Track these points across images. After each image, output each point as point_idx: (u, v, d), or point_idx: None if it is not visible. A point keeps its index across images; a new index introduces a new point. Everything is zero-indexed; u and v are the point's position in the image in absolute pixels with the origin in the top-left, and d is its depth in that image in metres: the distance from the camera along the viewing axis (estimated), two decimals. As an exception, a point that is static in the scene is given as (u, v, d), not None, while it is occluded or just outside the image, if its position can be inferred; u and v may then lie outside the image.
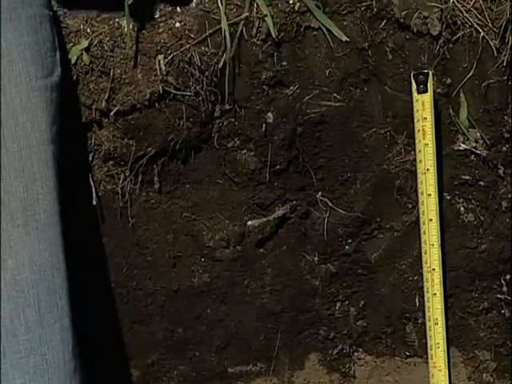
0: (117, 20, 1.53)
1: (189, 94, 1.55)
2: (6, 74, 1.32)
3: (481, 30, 1.52)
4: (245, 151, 1.62)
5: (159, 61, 1.52)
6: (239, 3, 1.54)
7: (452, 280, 1.67)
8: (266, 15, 1.57)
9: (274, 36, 1.53)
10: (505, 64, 1.54)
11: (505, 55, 1.53)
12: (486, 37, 1.53)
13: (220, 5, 1.50)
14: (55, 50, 1.40)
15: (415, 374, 1.74)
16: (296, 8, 1.55)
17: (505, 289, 1.69)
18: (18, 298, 1.31)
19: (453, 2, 1.52)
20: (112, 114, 1.54)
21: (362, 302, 1.72)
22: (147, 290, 1.68)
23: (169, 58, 1.52)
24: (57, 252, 1.34)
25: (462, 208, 1.66)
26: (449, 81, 1.57)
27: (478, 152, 1.61)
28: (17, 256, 1.31)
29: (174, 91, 1.54)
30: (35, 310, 1.31)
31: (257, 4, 1.58)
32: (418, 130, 1.56)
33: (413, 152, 1.60)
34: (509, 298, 1.70)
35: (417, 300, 1.69)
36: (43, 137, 1.34)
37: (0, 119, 1.33)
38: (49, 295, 1.33)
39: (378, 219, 1.67)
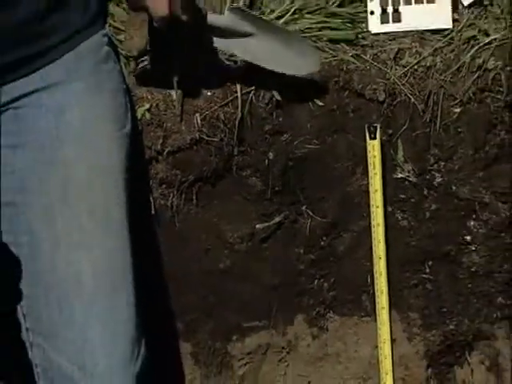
0: (168, 91, 1.58)
1: (216, 140, 1.60)
2: (94, 128, 1.35)
3: (412, 98, 1.60)
4: (254, 178, 1.66)
5: (196, 117, 1.58)
6: (251, 78, 1.60)
7: (392, 264, 1.70)
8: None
9: (279, 99, 1.58)
10: (428, 121, 1.62)
11: (428, 114, 1.61)
12: (415, 102, 1.60)
13: (237, 80, 1.57)
14: (127, 111, 1.43)
15: (368, 328, 1.76)
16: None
17: (428, 270, 1.73)
18: (99, 282, 1.30)
19: (393, 79, 1.59)
20: (165, 153, 1.59)
21: (332, 280, 1.75)
22: (189, 271, 1.70)
23: (203, 115, 1.58)
24: (124, 246, 1.34)
25: (399, 216, 1.71)
26: (390, 131, 1.64)
27: (410, 179, 1.67)
28: (98, 250, 1.31)
29: (206, 138, 1.59)
30: (110, 285, 1.31)
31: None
32: (370, 164, 1.62)
33: (366, 178, 1.65)
34: (431, 277, 1.73)
35: (369, 278, 1.72)
36: (118, 169, 1.37)
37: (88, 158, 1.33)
38: (119, 280, 1.33)
39: (344, 224, 1.71)
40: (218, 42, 1.52)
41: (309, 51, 1.55)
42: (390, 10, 1.59)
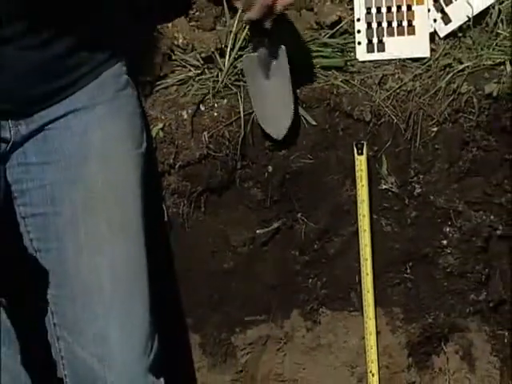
0: (179, 111, 1.61)
1: (222, 155, 1.63)
2: (114, 148, 1.42)
3: (394, 118, 1.62)
4: (255, 189, 1.69)
5: (204, 135, 1.62)
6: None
7: (378, 265, 1.71)
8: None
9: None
10: (409, 138, 1.64)
11: (408, 133, 1.63)
12: (398, 122, 1.62)
13: (240, 103, 1.60)
14: (143, 132, 1.50)
15: (356, 321, 1.76)
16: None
17: (408, 271, 1.73)
18: (117, 287, 1.35)
19: (378, 102, 1.62)
20: (176, 167, 1.63)
21: (324, 279, 1.76)
22: (196, 271, 1.73)
23: (210, 133, 1.62)
24: (140, 251, 1.40)
25: (383, 223, 1.71)
26: (375, 148, 1.65)
27: (393, 190, 1.68)
28: (117, 257, 1.36)
29: (213, 153, 1.63)
30: (127, 288, 1.37)
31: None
32: (358, 177, 1.64)
33: (354, 189, 1.66)
34: (412, 276, 1.73)
35: (357, 277, 1.72)
36: (134, 183, 1.43)
37: (110, 175, 1.40)
38: (136, 286, 1.38)
39: (334, 229, 1.72)
40: (246, 61, 1.55)
41: (283, 118, 1.57)
42: (375, 40, 1.61)
